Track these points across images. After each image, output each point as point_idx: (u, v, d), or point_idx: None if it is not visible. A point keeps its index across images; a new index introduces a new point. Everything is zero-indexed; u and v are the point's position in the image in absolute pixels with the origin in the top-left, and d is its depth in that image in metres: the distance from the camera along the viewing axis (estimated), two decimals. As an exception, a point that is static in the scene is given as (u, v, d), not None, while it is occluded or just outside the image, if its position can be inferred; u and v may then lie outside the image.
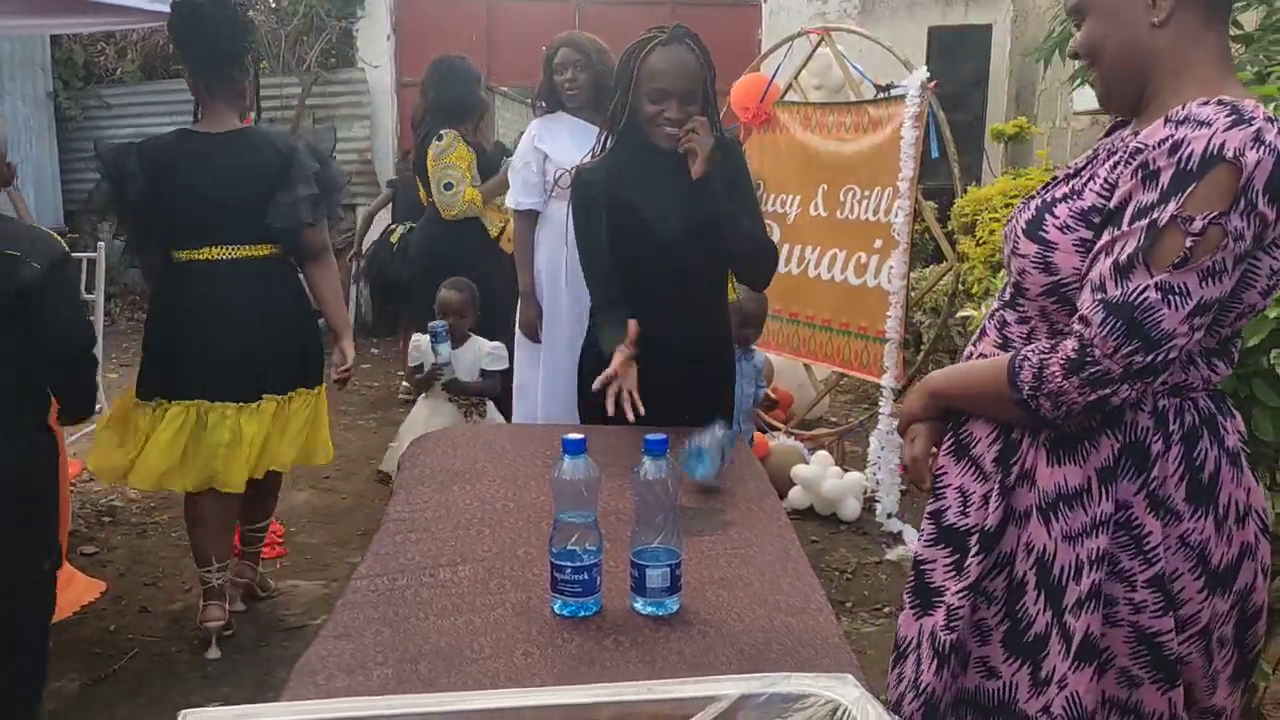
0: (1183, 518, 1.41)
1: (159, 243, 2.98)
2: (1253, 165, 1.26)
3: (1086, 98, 5.74)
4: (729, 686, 1.06)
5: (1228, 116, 1.28)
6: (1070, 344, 1.33)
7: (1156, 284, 1.28)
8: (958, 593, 1.50)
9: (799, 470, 4.20)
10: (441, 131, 4.19)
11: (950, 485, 1.57)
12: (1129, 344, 1.29)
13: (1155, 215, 1.28)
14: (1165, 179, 1.29)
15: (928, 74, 3.95)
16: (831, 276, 4.44)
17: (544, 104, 3.70)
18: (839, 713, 1.04)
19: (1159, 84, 1.41)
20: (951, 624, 1.49)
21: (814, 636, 1.45)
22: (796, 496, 4.17)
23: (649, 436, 1.51)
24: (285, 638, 3.18)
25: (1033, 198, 1.54)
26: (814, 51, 4.88)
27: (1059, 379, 1.33)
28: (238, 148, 2.91)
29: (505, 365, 3.78)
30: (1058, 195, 1.46)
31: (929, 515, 1.60)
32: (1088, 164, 1.48)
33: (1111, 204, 1.36)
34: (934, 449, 1.63)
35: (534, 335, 3.60)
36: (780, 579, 1.64)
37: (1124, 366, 1.30)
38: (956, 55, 7.57)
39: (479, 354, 3.84)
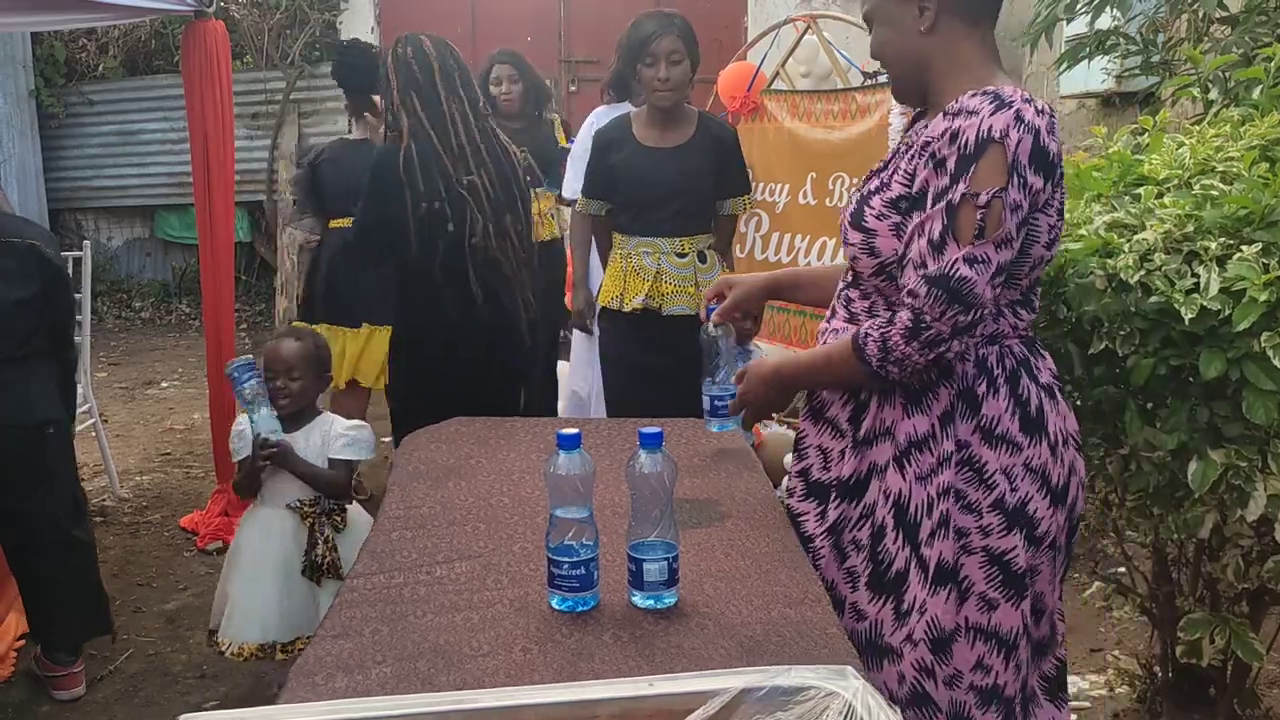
0: (1022, 447, 1.62)
1: (317, 211, 4.19)
2: (1015, 143, 1.49)
3: (1073, 81, 5.74)
4: (730, 680, 1.06)
5: (991, 103, 1.51)
6: (905, 315, 1.56)
7: (965, 256, 1.51)
8: (820, 535, 1.74)
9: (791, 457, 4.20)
10: None
11: (811, 445, 1.80)
12: (951, 308, 1.52)
13: (950, 196, 1.52)
14: (951, 164, 1.52)
15: (915, 60, 3.95)
16: (821, 264, 4.44)
17: (612, 93, 3.82)
18: (839, 704, 1.04)
19: (936, 81, 1.65)
20: (816, 563, 1.71)
21: (812, 628, 1.46)
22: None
23: (643, 430, 1.51)
24: (281, 635, 3.17)
25: (857, 192, 1.75)
26: (800, 39, 4.87)
27: (901, 346, 1.56)
28: (364, 152, 3.61)
29: (368, 453, 2.70)
30: (872, 188, 1.68)
31: (797, 473, 1.82)
32: (891, 159, 1.70)
33: (914, 190, 1.59)
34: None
35: (585, 326, 3.42)
36: (777, 570, 1.64)
37: (951, 326, 1.53)
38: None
39: (329, 436, 2.68)
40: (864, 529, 1.69)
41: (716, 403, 2.03)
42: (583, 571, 1.50)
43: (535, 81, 4.17)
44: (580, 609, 1.51)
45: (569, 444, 1.50)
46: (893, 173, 1.65)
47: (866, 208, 1.66)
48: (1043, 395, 1.65)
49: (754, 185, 4.73)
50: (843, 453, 1.73)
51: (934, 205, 1.53)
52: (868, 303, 1.72)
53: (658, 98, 2.99)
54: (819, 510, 1.76)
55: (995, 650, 1.64)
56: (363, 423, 2.81)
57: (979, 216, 1.50)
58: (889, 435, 1.66)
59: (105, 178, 8.19)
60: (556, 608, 1.51)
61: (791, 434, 4.53)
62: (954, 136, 1.52)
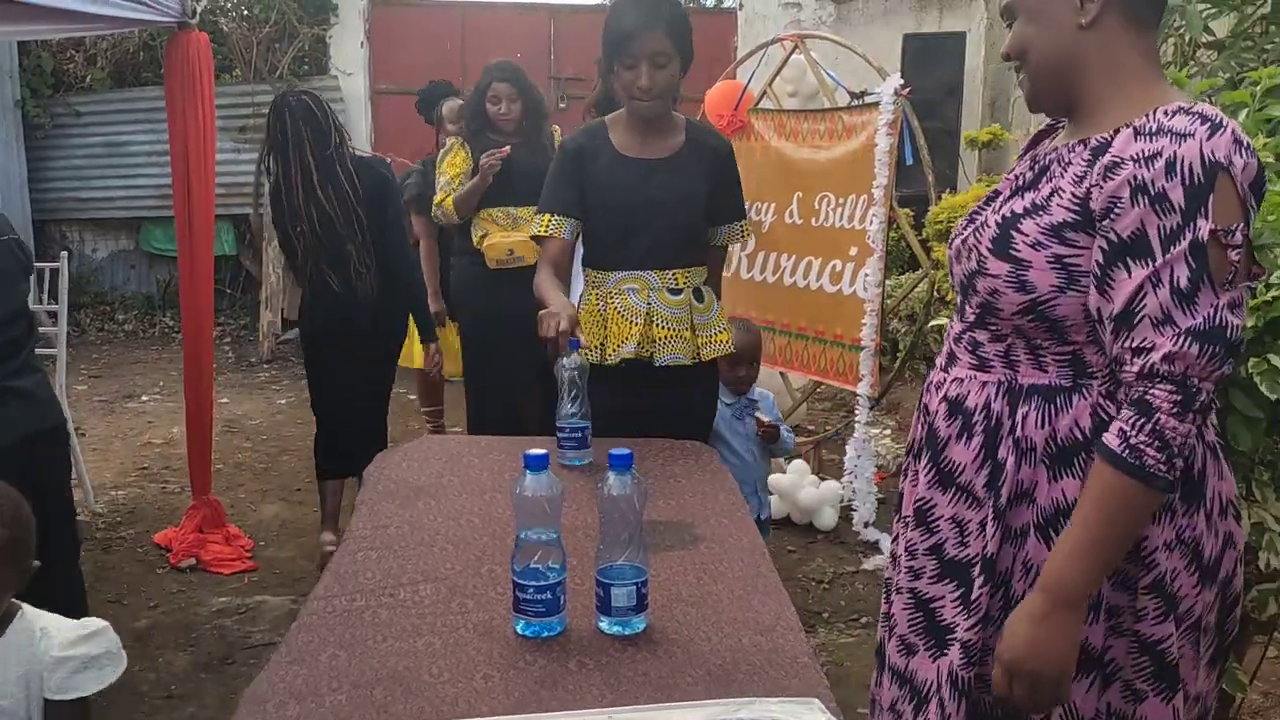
0: (1176, 514, 1.40)
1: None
2: (1240, 169, 1.28)
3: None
4: (692, 714, 1.02)
5: (1204, 125, 1.28)
6: (1163, 389, 1.28)
7: (1228, 302, 1.28)
8: (970, 628, 1.46)
9: (775, 479, 4.16)
10: (448, 140, 4.11)
11: (943, 517, 1.53)
12: (1225, 364, 1.29)
13: (1192, 235, 1.27)
14: (1178, 198, 1.27)
15: (901, 80, 3.94)
16: (807, 284, 4.41)
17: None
18: (805, 740, 1.01)
19: (1089, 86, 1.42)
20: (970, 660, 1.46)
21: (783, 656, 1.42)
22: (773, 506, 4.13)
23: (613, 451, 1.47)
24: (251, 655, 3.11)
25: (977, 214, 1.53)
26: (788, 58, 4.86)
27: (1179, 427, 1.28)
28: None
29: (116, 668, 1.64)
30: (1018, 210, 1.44)
31: (927, 551, 1.55)
32: (1040, 176, 1.46)
33: (1085, 216, 1.35)
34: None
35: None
36: (750, 596, 1.60)
37: (1215, 382, 1.30)
38: (931, 62, 7.58)
39: (39, 661, 1.59)
40: (995, 599, 1.46)
41: (561, 435, 2.13)
42: (549, 596, 1.46)
43: (535, 99, 4.01)
44: (546, 635, 1.46)
45: (536, 464, 1.46)
46: (1050, 194, 1.41)
47: (1015, 233, 1.41)
48: (1207, 455, 1.42)
49: (740, 204, 4.71)
50: (983, 524, 1.47)
51: (1167, 248, 1.28)
52: (1002, 345, 1.47)
53: (637, 107, 2.43)
54: (959, 594, 1.49)
55: None
56: (94, 623, 1.67)
57: (1234, 258, 1.28)
58: (1029, 499, 1.44)
59: (91, 189, 8.14)
60: (521, 633, 1.47)
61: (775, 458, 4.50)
62: (1171, 164, 1.27)
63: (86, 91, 8.11)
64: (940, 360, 1.60)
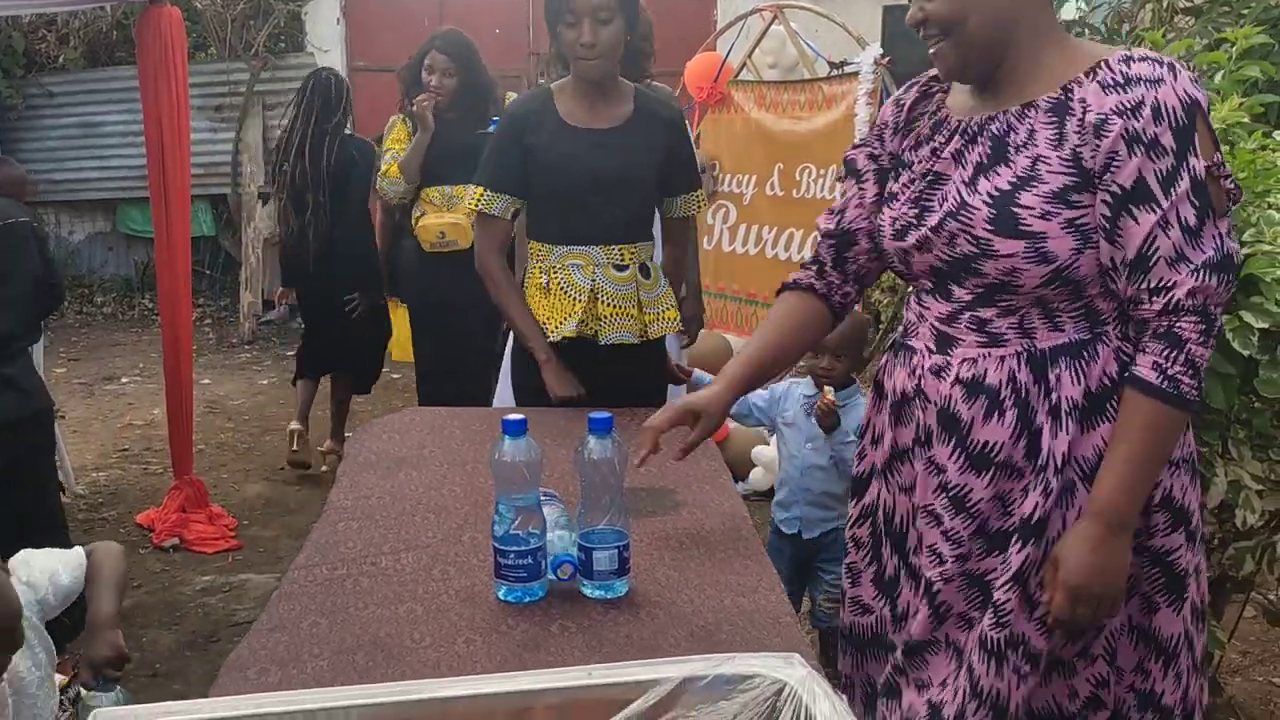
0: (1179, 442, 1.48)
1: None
2: (1205, 101, 1.38)
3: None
4: (671, 669, 1.02)
5: (1163, 68, 1.36)
6: (1189, 320, 1.36)
7: (1227, 230, 1.38)
8: (1002, 586, 1.45)
9: (759, 452, 4.17)
10: (392, 118, 3.99)
11: (983, 499, 1.49)
12: (1232, 288, 1.39)
13: (1189, 174, 1.35)
14: (1169, 140, 1.34)
15: (880, 50, 3.93)
16: (789, 256, 4.42)
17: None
18: (785, 692, 1.01)
19: (1020, 49, 1.45)
20: (1002, 621, 1.45)
21: (765, 616, 1.43)
22: (757, 478, 4.15)
23: (593, 415, 1.47)
24: (236, 632, 3.11)
25: (927, 197, 1.51)
26: (767, 29, 4.85)
27: (1204, 353, 1.38)
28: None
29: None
30: (1003, 187, 1.43)
31: (973, 534, 1.50)
32: (1001, 149, 1.45)
33: (1113, 179, 1.36)
34: None
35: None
36: (732, 559, 1.61)
37: (1223, 304, 1.40)
38: (911, 35, 7.55)
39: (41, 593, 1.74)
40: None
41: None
42: (530, 561, 1.46)
43: (477, 79, 3.77)
44: (528, 599, 1.47)
45: (514, 430, 1.46)
46: (1032, 163, 1.42)
47: (1018, 209, 1.41)
48: None
49: (722, 177, 4.70)
50: (1026, 490, 1.47)
51: (1167, 190, 1.34)
52: (1015, 317, 1.46)
53: (582, 67, 2.31)
54: (1004, 561, 1.49)
55: (1154, 655, 1.52)
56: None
57: (1229, 187, 1.40)
58: (1071, 456, 1.45)
59: (66, 171, 8.05)
60: (503, 599, 1.47)
61: (758, 428, 4.50)
62: (1156, 110, 1.34)
63: (60, 71, 8.00)
64: (923, 344, 1.55)
